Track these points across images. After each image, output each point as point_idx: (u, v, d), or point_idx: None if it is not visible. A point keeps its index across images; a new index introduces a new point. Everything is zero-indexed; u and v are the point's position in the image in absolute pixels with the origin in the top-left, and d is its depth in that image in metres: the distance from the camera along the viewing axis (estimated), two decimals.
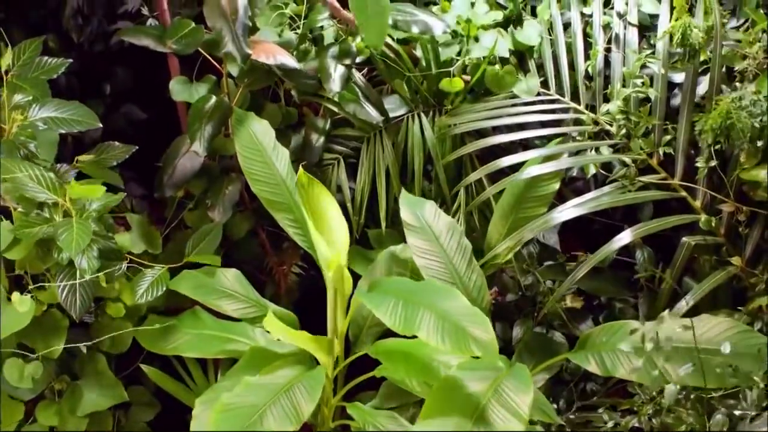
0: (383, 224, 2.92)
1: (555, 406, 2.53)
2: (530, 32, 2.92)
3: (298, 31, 2.81)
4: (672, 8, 2.76)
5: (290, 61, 2.63)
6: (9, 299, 2.31)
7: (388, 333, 2.57)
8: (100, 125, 2.52)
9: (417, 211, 2.66)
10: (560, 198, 2.92)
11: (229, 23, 2.46)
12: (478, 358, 2.19)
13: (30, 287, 2.34)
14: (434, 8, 3.04)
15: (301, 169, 2.54)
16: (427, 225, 2.64)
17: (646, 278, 2.76)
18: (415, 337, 2.23)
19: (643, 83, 2.68)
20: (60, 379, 2.53)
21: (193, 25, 2.61)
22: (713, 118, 2.45)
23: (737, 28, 2.78)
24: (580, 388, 2.66)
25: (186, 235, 2.83)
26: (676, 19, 2.67)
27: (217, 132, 2.65)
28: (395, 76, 2.95)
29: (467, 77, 2.95)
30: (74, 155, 2.69)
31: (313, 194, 2.50)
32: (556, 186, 2.76)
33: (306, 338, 2.39)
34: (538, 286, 2.80)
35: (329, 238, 2.44)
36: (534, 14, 3.08)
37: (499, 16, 2.98)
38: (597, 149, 2.74)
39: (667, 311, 2.29)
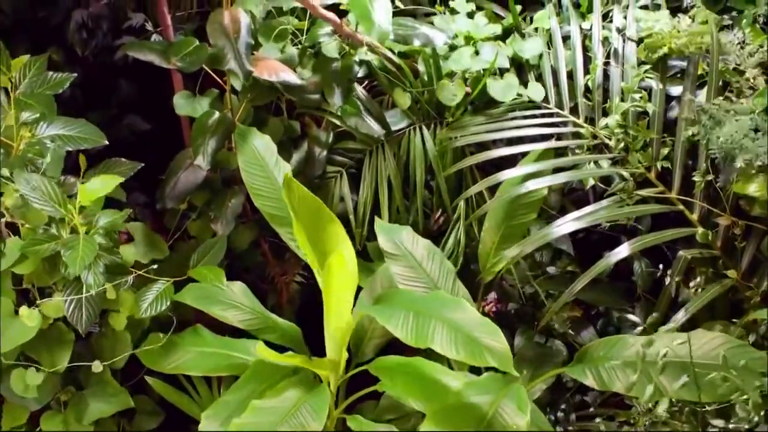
0: None
1: (553, 417, 2.56)
2: (528, 47, 2.95)
3: (300, 46, 2.84)
4: None
5: (293, 78, 2.66)
6: (16, 312, 2.36)
7: (390, 343, 2.62)
8: (107, 143, 2.55)
9: (395, 238, 2.68)
10: (560, 209, 2.97)
11: (231, 42, 2.50)
12: (482, 372, 2.22)
13: (38, 301, 2.38)
14: (435, 19, 3.07)
15: (286, 174, 2.47)
16: (408, 252, 2.67)
17: (644, 288, 2.80)
18: (416, 353, 2.25)
19: (641, 98, 2.71)
20: (65, 390, 2.56)
21: (197, 42, 2.65)
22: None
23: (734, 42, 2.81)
24: (578, 398, 2.70)
25: (189, 246, 2.87)
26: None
27: (221, 147, 2.69)
28: (397, 90, 2.98)
29: (468, 89, 2.99)
30: (78, 165, 2.73)
31: (326, 229, 2.46)
32: (545, 192, 2.78)
33: (305, 361, 2.42)
34: (537, 296, 2.84)
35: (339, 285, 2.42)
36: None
37: (498, 29, 3.01)
38: (596, 162, 2.77)
39: (664, 326, 2.34)
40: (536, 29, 3.04)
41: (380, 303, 2.48)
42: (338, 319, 2.40)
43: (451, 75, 2.96)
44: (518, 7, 3.09)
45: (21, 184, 2.30)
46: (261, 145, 2.70)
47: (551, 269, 2.92)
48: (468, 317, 2.31)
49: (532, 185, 2.66)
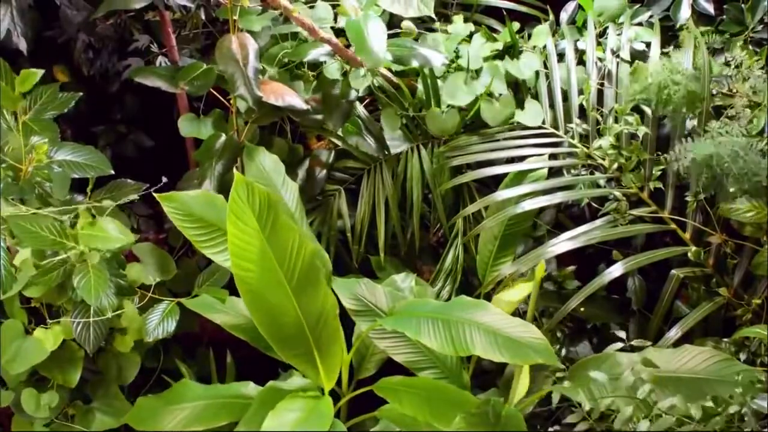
0: (381, 253, 3.01)
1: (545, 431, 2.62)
2: (525, 67, 3.00)
3: (304, 69, 2.89)
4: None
5: (298, 102, 2.70)
6: (27, 332, 2.43)
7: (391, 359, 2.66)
8: (112, 172, 2.61)
9: (356, 291, 2.61)
10: (556, 225, 3.02)
11: (240, 68, 2.53)
12: None
13: (49, 322, 2.44)
14: (429, 38, 3.12)
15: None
16: (374, 305, 2.61)
17: (638, 304, 2.86)
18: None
19: (634, 119, 2.76)
20: (73, 405, 2.62)
21: (205, 66, 2.70)
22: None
23: (726, 64, 2.86)
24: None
25: (193, 263, 2.93)
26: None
27: (228, 170, 2.70)
28: (395, 111, 3.03)
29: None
30: (83, 181, 2.76)
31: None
32: None
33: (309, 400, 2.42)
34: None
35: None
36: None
37: (497, 46, 3.06)
38: (592, 182, 2.82)
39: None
40: (534, 47, 3.10)
41: (397, 315, 2.40)
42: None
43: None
44: (516, 24, 3.14)
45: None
46: (269, 164, 2.72)
47: (547, 285, 2.98)
48: (498, 318, 2.28)
49: (527, 205, 2.70)
